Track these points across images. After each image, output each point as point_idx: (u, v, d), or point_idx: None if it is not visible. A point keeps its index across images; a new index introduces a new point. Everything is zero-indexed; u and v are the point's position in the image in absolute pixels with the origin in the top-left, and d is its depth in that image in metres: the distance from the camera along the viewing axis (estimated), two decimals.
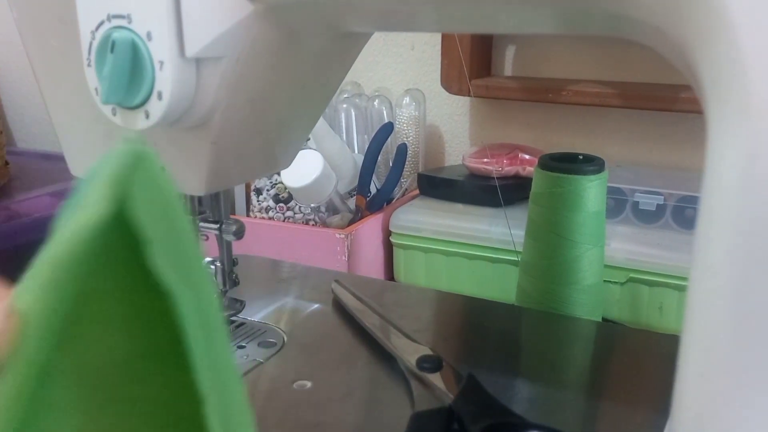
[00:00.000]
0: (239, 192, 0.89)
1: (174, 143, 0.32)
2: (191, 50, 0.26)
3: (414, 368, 0.43)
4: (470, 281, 0.74)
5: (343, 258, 0.72)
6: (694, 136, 0.84)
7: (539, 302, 0.58)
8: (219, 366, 0.17)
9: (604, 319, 0.62)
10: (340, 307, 0.53)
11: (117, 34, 0.26)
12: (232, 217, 0.41)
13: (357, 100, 0.91)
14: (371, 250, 0.78)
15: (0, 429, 0.15)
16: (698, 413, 0.20)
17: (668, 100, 0.75)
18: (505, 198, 0.73)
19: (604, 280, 0.60)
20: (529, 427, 0.36)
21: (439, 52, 0.87)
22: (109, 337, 0.19)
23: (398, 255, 0.78)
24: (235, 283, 0.45)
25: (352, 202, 0.81)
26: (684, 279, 0.62)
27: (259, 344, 0.48)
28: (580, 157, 0.58)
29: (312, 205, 0.79)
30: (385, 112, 0.90)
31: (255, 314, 0.53)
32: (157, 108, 0.27)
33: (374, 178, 0.84)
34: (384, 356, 0.46)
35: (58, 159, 0.93)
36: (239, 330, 0.50)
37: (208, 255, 0.43)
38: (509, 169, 0.81)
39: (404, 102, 0.91)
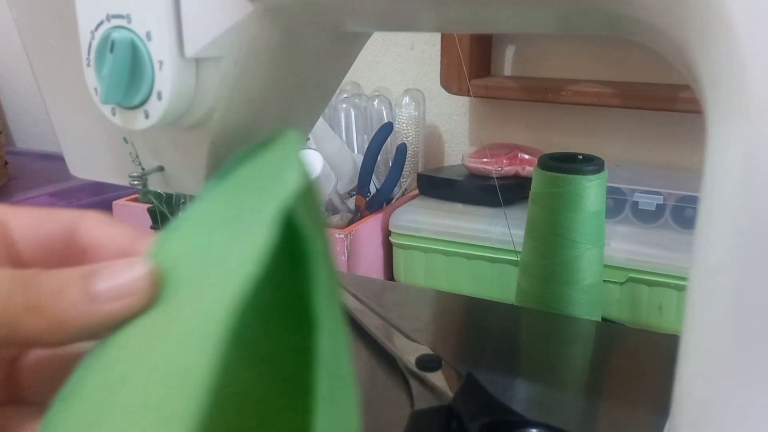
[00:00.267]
0: None
1: (173, 143, 0.32)
2: (191, 50, 0.26)
3: (413, 367, 0.43)
4: (470, 281, 0.74)
5: (343, 258, 0.72)
6: (693, 135, 0.84)
7: (539, 302, 0.58)
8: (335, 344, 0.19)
9: (604, 319, 0.62)
10: None
11: (116, 34, 0.26)
12: None
13: (357, 100, 0.91)
14: (371, 249, 0.78)
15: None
16: (698, 413, 0.20)
17: (668, 99, 0.75)
18: (505, 198, 0.73)
19: (604, 280, 0.60)
20: (527, 424, 0.36)
21: (439, 52, 0.87)
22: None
23: (398, 255, 0.78)
24: None
25: (351, 202, 0.81)
26: (683, 279, 0.62)
27: None
28: (580, 156, 0.58)
29: None
30: (384, 112, 0.90)
31: None
32: (156, 108, 0.27)
33: (374, 178, 0.84)
34: (383, 355, 0.46)
35: (57, 159, 0.93)
36: None
37: None
38: (509, 169, 0.81)
39: (404, 102, 0.91)
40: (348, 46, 0.36)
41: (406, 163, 0.86)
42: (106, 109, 0.28)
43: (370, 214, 0.79)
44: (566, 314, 0.56)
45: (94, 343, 0.21)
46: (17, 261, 0.23)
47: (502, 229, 0.70)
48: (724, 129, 0.19)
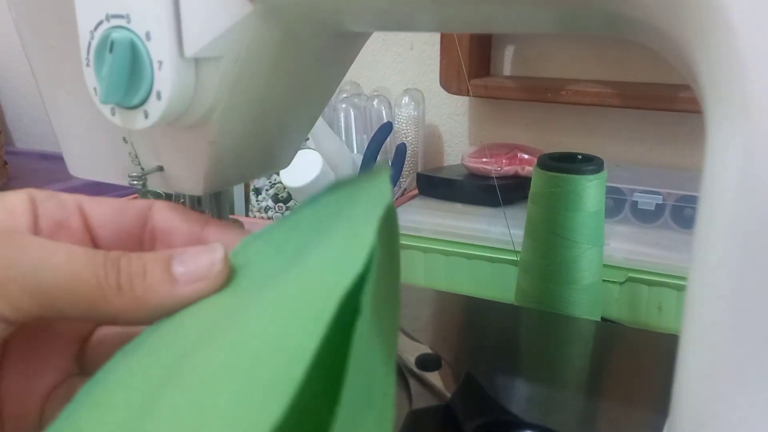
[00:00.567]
0: (238, 192, 0.89)
1: (173, 143, 0.32)
2: (190, 50, 0.26)
3: (413, 367, 0.43)
4: (469, 281, 0.74)
5: None
6: (693, 135, 0.84)
7: (538, 302, 0.58)
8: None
9: (603, 319, 0.62)
10: None
11: (116, 34, 0.26)
12: (231, 217, 0.41)
13: (356, 100, 0.91)
14: None
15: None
16: (697, 413, 0.20)
17: (667, 99, 0.75)
18: (504, 198, 0.73)
19: (603, 280, 0.60)
20: (523, 426, 0.36)
21: (438, 52, 0.87)
22: None
23: None
24: None
25: None
26: (683, 278, 0.62)
27: None
28: (579, 156, 0.58)
29: None
30: (384, 112, 0.90)
31: None
32: (156, 108, 0.27)
33: None
34: None
35: (56, 159, 0.93)
36: None
37: None
38: (508, 169, 0.81)
39: (403, 102, 0.91)
40: (347, 45, 0.36)
41: (406, 162, 0.86)
42: (106, 109, 0.28)
43: None
44: (566, 314, 0.56)
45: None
46: (95, 246, 0.25)
47: (501, 229, 0.70)
48: (724, 129, 0.19)
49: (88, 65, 0.28)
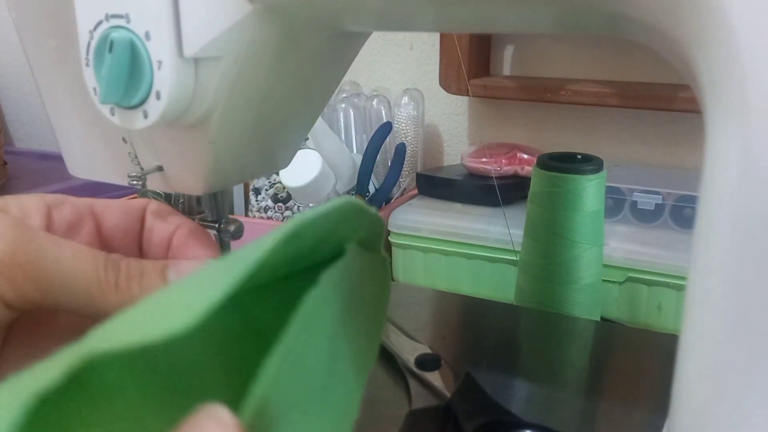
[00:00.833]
0: (238, 192, 0.89)
1: (172, 143, 0.32)
2: (190, 50, 0.26)
3: (412, 366, 0.43)
4: (469, 281, 0.74)
5: None
6: (692, 135, 0.84)
7: (538, 302, 0.58)
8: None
9: (603, 319, 0.62)
10: None
11: (115, 34, 0.26)
12: (230, 216, 0.41)
13: (356, 100, 0.91)
14: None
15: None
16: (697, 413, 0.20)
17: (667, 99, 0.75)
18: (504, 197, 0.73)
19: (603, 280, 0.61)
20: (523, 425, 0.36)
21: (438, 52, 0.87)
22: None
23: (397, 254, 0.78)
24: None
25: None
26: (682, 278, 0.62)
27: None
28: (579, 156, 0.58)
29: (311, 204, 0.79)
30: (383, 112, 0.90)
31: None
32: (155, 108, 0.27)
33: (373, 177, 0.84)
34: (383, 354, 0.46)
35: (56, 159, 0.93)
36: None
37: None
38: (508, 169, 0.81)
39: (403, 101, 0.91)
40: (347, 45, 0.36)
41: (405, 162, 0.86)
42: (105, 109, 0.28)
43: None
44: (565, 314, 0.57)
45: None
46: (104, 248, 0.27)
47: (501, 229, 0.70)
48: (723, 128, 0.19)
49: (87, 65, 0.28)
